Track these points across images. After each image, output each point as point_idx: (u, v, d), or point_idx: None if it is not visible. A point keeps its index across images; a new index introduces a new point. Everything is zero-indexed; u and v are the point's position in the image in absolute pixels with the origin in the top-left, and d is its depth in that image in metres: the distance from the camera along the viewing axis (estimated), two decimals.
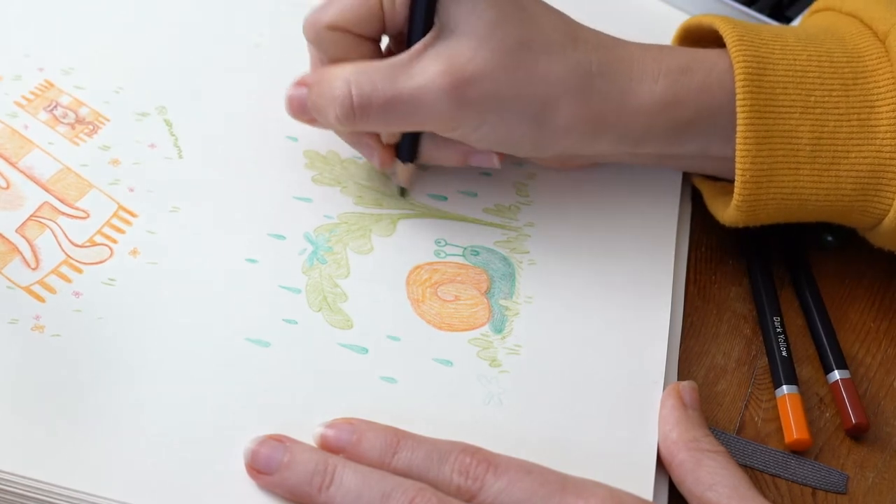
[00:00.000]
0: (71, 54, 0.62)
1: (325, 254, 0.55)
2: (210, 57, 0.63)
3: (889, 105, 0.53)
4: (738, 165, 0.53)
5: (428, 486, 0.46)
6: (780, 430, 0.54)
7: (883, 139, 0.53)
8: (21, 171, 0.57)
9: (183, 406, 0.50)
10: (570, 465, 0.48)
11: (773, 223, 0.56)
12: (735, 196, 0.54)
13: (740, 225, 0.56)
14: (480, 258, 0.56)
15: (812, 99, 0.53)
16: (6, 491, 0.47)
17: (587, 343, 0.54)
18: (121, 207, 0.56)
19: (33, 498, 0.47)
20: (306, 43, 0.55)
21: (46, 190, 0.56)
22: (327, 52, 0.54)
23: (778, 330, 0.56)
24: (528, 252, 0.57)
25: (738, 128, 0.53)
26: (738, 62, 0.53)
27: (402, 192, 0.58)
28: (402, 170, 0.57)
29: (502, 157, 0.57)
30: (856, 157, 0.53)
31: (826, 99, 0.53)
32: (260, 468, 0.47)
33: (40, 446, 0.48)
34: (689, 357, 0.56)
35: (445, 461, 0.47)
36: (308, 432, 0.49)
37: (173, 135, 0.59)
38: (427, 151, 0.56)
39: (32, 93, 0.60)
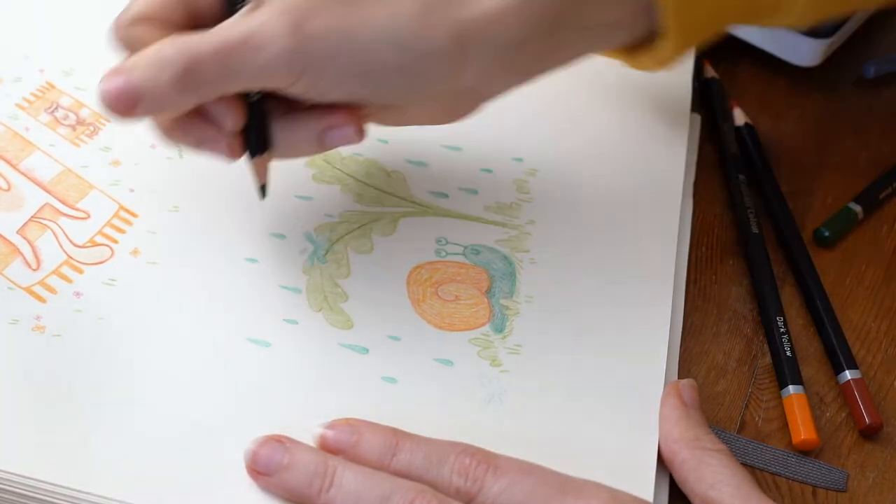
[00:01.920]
0: (71, 55, 0.62)
1: (325, 253, 0.56)
2: None
3: None
4: None
5: (427, 487, 0.46)
6: (780, 429, 0.54)
7: None
8: (22, 174, 0.57)
9: (183, 406, 0.50)
10: (571, 465, 0.48)
11: (710, 36, 0.52)
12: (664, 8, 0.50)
13: (681, 50, 0.52)
14: (481, 257, 0.56)
15: None
16: (6, 491, 0.47)
17: (587, 342, 0.54)
18: (121, 208, 0.56)
19: (33, 498, 0.47)
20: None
21: (47, 191, 0.56)
22: (137, 45, 0.48)
23: (782, 330, 0.56)
24: (528, 251, 0.57)
25: None
26: None
27: (263, 191, 0.53)
28: (256, 164, 0.52)
29: (362, 128, 0.51)
30: None
31: None
32: (260, 469, 0.47)
33: (40, 446, 0.48)
34: (690, 357, 0.56)
35: (445, 462, 0.47)
36: (308, 432, 0.49)
37: None
38: (278, 135, 0.51)
39: (33, 94, 0.60)
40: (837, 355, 0.56)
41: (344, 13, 0.47)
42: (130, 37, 0.48)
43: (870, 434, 0.54)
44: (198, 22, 0.49)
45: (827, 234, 0.60)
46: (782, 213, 0.61)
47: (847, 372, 0.55)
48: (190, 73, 0.46)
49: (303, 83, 0.48)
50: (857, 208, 0.61)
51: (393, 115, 0.52)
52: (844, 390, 0.55)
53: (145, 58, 0.47)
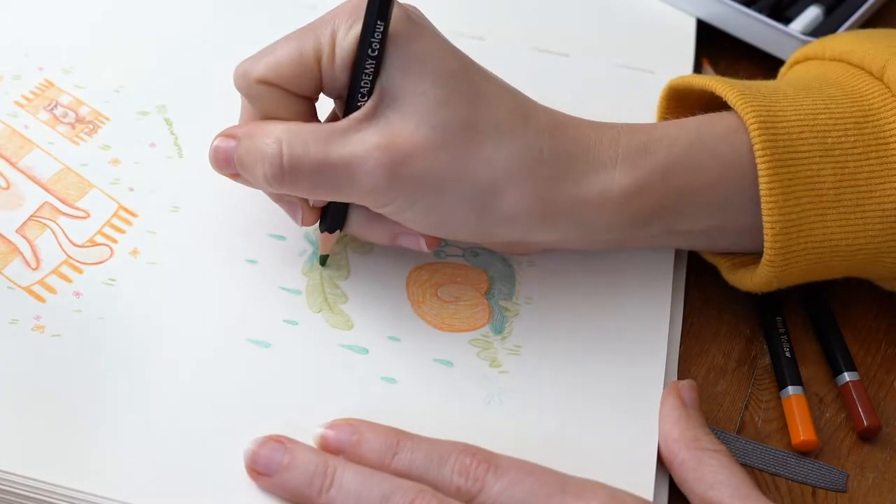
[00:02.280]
0: (71, 53, 0.62)
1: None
2: (210, 55, 0.63)
3: None
4: (765, 219, 0.51)
5: (428, 487, 0.46)
6: (780, 430, 0.54)
7: None
8: (21, 171, 0.57)
9: (183, 406, 0.50)
10: (570, 465, 0.48)
11: (804, 282, 0.54)
12: (766, 251, 0.52)
13: (773, 286, 0.54)
14: (480, 259, 0.56)
15: (829, 141, 0.51)
16: (6, 491, 0.47)
17: (587, 343, 0.54)
18: (121, 207, 0.56)
19: (33, 498, 0.47)
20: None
21: (47, 190, 0.56)
22: (258, 107, 0.51)
23: (781, 331, 0.56)
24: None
25: (761, 179, 0.51)
26: (749, 114, 0.51)
27: (322, 261, 0.55)
28: (324, 237, 0.54)
29: (434, 242, 0.53)
30: (880, 196, 0.52)
31: (843, 139, 0.51)
32: (260, 469, 0.48)
33: (40, 446, 0.48)
34: (689, 357, 0.56)
35: (446, 462, 0.47)
36: (308, 433, 0.49)
37: (173, 134, 0.59)
38: (354, 225, 0.53)
39: (32, 92, 0.60)
40: (836, 357, 0.56)
41: (444, 163, 0.49)
42: (253, 92, 0.51)
43: (868, 436, 0.54)
44: (326, 91, 0.51)
45: None
46: None
47: (846, 374, 0.55)
48: (284, 177, 0.49)
49: (385, 211, 0.51)
50: None
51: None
52: (843, 392, 0.55)
53: (254, 140, 0.50)
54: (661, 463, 0.51)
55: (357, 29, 0.49)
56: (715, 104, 0.54)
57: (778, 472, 0.53)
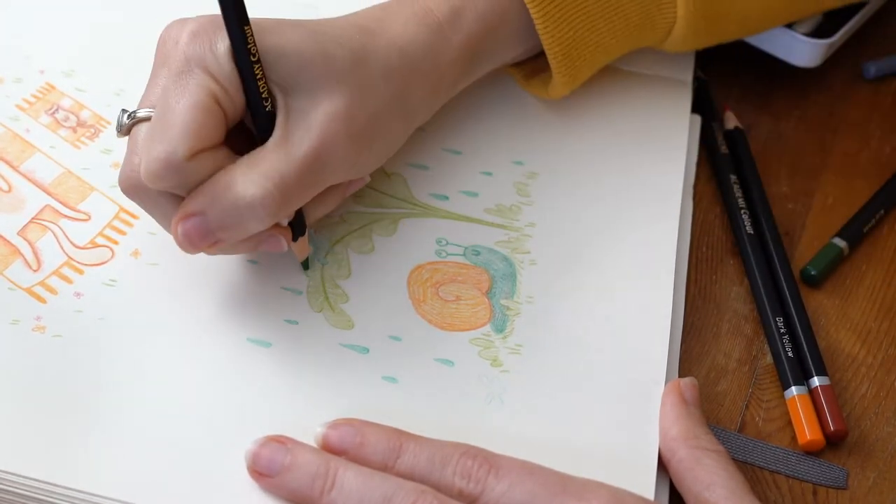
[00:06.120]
0: (72, 57, 0.62)
1: (326, 254, 0.56)
2: None
3: None
4: (546, 48, 0.57)
5: (429, 488, 0.46)
6: (781, 430, 0.54)
7: None
8: (23, 175, 0.57)
9: (184, 406, 0.50)
10: (571, 465, 0.48)
11: (591, 71, 0.60)
12: (554, 73, 0.58)
13: (566, 92, 0.60)
14: (481, 258, 0.56)
15: None
16: (6, 491, 0.47)
17: (588, 343, 0.54)
18: (122, 209, 0.56)
19: (33, 498, 0.47)
20: (137, 198, 0.51)
21: (48, 193, 0.56)
22: (196, 180, 0.49)
23: (782, 331, 0.56)
24: (529, 252, 0.57)
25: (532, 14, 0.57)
26: None
27: (306, 265, 0.55)
28: (299, 245, 0.54)
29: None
30: None
31: None
32: (261, 470, 0.48)
33: (40, 446, 0.48)
34: (690, 357, 0.56)
35: (448, 464, 0.47)
36: (309, 432, 0.49)
37: None
38: (308, 213, 0.54)
39: (34, 96, 0.60)
40: (807, 360, 0.56)
41: (373, 96, 0.52)
42: (188, 171, 0.48)
43: (836, 441, 0.54)
44: (230, 123, 0.51)
45: (812, 269, 0.59)
46: (766, 218, 0.61)
47: (815, 378, 0.55)
48: (283, 203, 0.49)
49: (355, 169, 0.53)
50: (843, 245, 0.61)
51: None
52: (813, 395, 0.55)
53: (226, 197, 0.48)
54: (661, 462, 0.51)
55: (224, 46, 0.49)
56: None
57: (779, 470, 0.53)
